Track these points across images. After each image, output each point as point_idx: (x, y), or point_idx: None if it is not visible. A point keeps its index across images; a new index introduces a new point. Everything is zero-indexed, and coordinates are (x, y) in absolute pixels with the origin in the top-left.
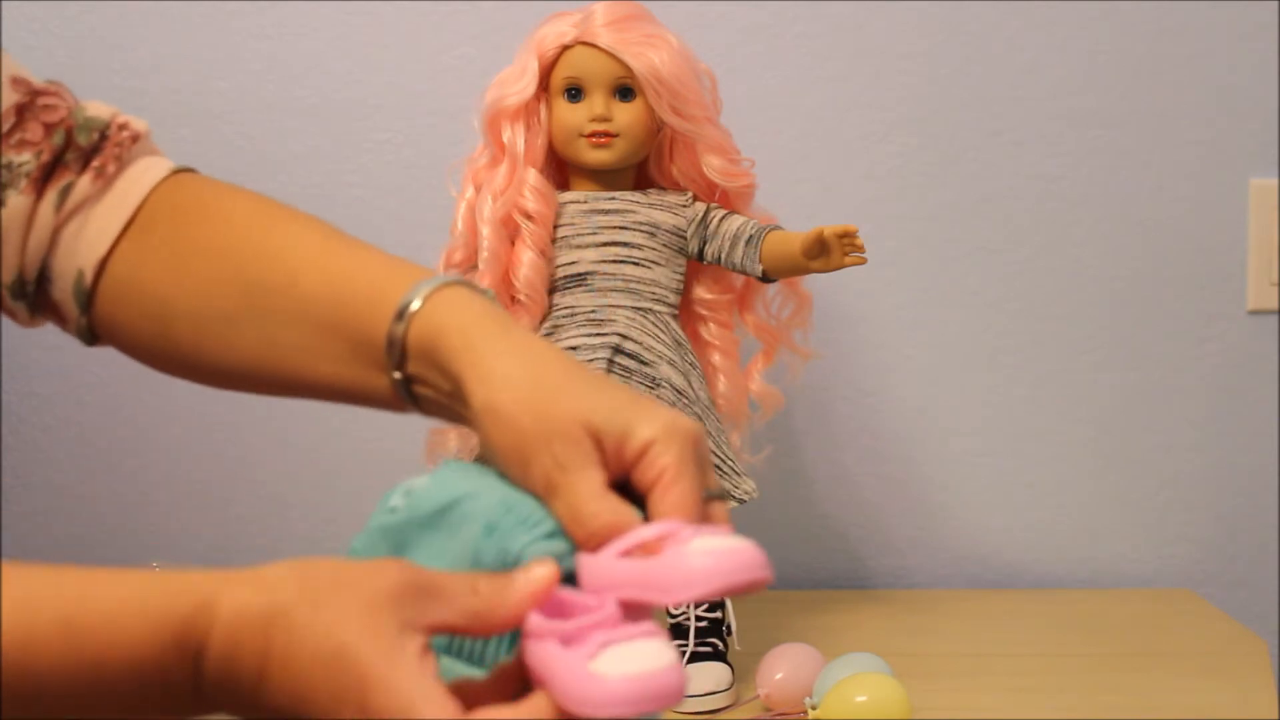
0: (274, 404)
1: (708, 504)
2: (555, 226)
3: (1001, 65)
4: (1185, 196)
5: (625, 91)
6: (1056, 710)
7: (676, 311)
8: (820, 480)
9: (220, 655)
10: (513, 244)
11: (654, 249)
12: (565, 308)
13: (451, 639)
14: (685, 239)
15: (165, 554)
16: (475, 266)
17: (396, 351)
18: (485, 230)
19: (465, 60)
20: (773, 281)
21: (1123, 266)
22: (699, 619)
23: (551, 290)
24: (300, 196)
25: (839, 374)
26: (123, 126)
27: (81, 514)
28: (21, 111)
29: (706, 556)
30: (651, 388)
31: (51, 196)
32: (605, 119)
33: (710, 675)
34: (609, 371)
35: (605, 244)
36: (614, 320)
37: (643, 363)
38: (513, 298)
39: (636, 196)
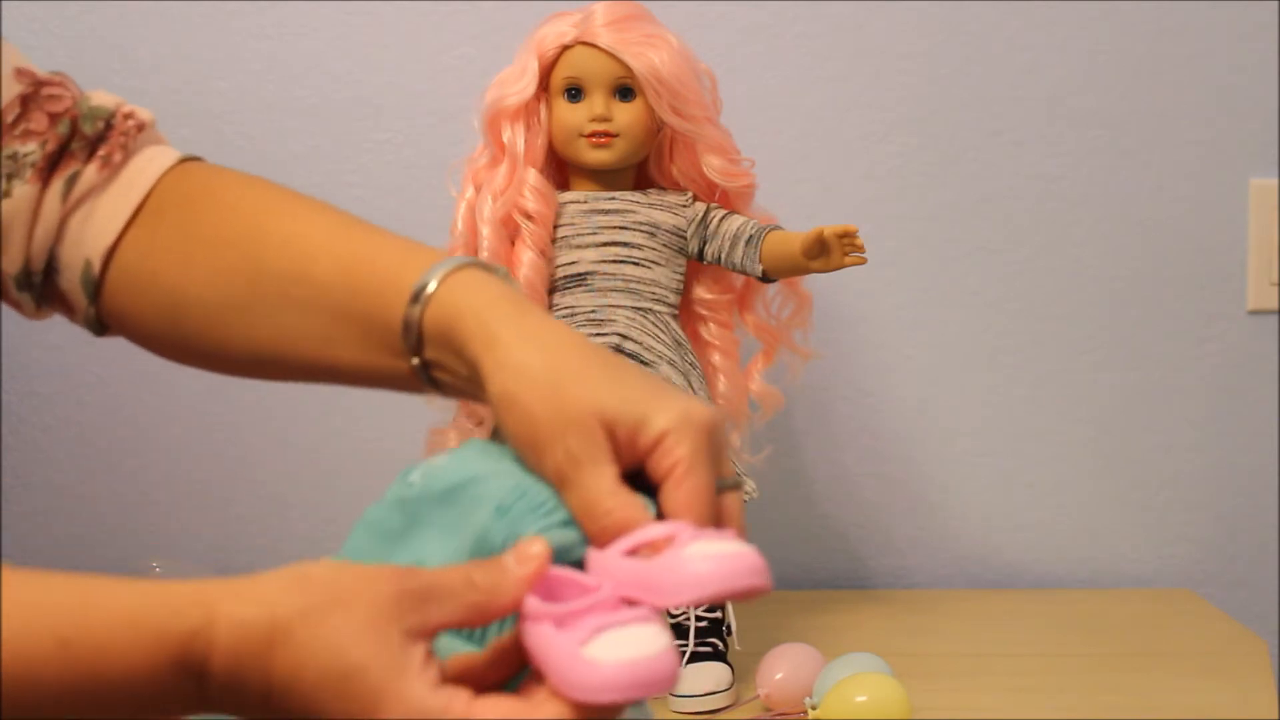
0: (274, 404)
1: (721, 494)
2: (555, 226)
3: (1001, 65)
4: (1185, 196)
5: (625, 91)
6: (1056, 710)
7: (676, 311)
8: (820, 480)
9: (224, 671)
10: (513, 244)
11: (654, 249)
12: (565, 308)
13: None
14: (685, 239)
15: (165, 554)
16: None
17: (413, 336)
18: (485, 230)
19: (465, 60)
20: (773, 281)
21: (1123, 266)
22: (699, 619)
23: (551, 290)
24: None
25: (839, 374)
26: (128, 115)
27: (81, 514)
28: (26, 102)
29: (706, 561)
30: None
31: (57, 186)
32: (605, 119)
33: (710, 675)
34: None
35: (605, 244)
36: (614, 320)
37: (643, 363)
38: None
39: (636, 196)
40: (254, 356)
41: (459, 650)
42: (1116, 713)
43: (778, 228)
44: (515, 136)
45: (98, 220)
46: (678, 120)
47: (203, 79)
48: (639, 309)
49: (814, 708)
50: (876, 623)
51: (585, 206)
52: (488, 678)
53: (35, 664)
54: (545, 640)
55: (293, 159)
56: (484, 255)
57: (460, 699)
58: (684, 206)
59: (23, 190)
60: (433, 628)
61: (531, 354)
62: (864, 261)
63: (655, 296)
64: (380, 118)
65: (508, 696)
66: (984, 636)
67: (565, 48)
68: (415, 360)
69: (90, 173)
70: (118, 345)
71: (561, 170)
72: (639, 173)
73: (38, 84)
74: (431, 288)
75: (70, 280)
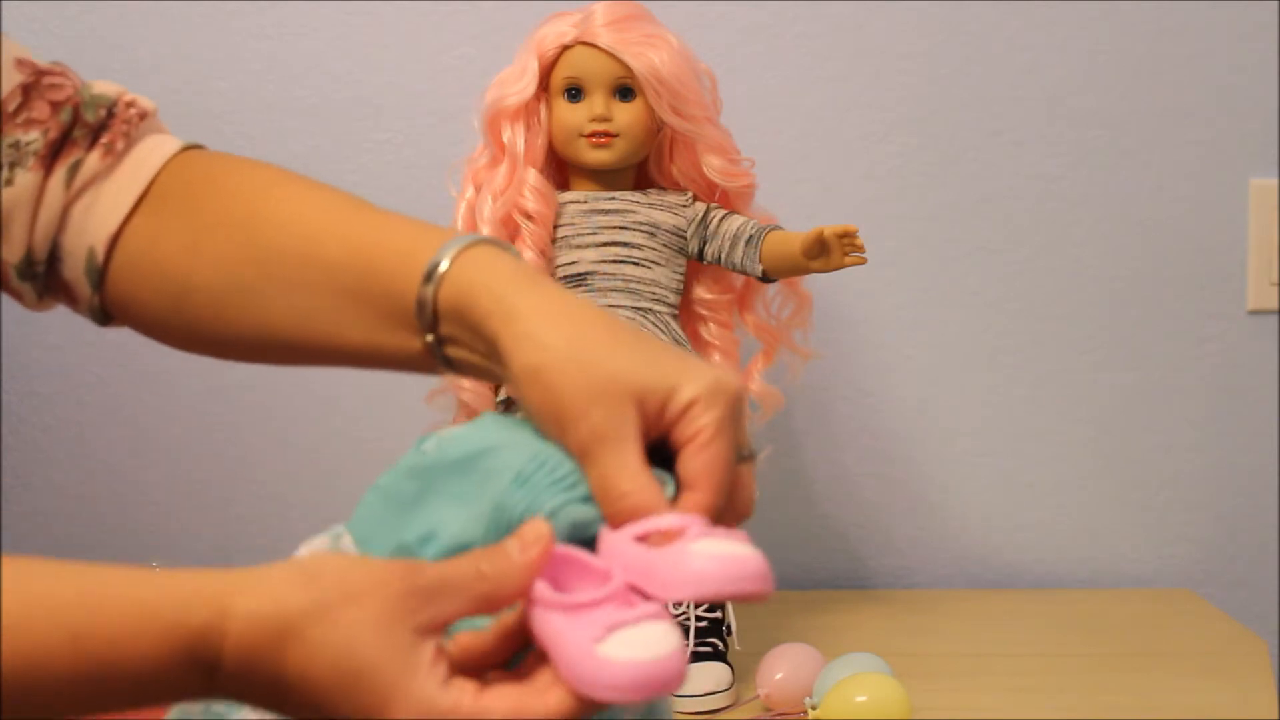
0: (274, 404)
1: (738, 464)
2: (555, 226)
3: (1001, 65)
4: (1185, 196)
5: (625, 91)
6: (1056, 710)
7: (676, 311)
8: (820, 480)
9: (235, 664)
10: (513, 244)
11: (654, 249)
12: None
13: None
14: (685, 239)
15: (165, 554)
16: None
17: (428, 314)
18: (485, 230)
19: (465, 60)
20: (773, 281)
21: (1123, 266)
22: (699, 619)
23: None
24: None
25: (839, 374)
26: (130, 104)
27: (81, 514)
28: (27, 91)
29: (709, 560)
30: None
31: (60, 174)
32: (605, 119)
33: (710, 675)
34: None
35: (605, 244)
36: None
37: None
38: None
39: (636, 196)
40: (262, 340)
41: (462, 626)
42: (1116, 713)
43: (778, 228)
44: (515, 136)
45: (101, 208)
46: (678, 120)
47: (203, 79)
48: (639, 309)
49: (814, 708)
50: (876, 623)
51: (585, 206)
52: (491, 658)
53: (46, 657)
54: (556, 630)
55: (293, 159)
56: None
57: (468, 694)
58: (684, 206)
59: (25, 178)
60: (442, 623)
61: (554, 327)
62: (864, 261)
63: (655, 296)
64: (380, 118)
65: (512, 684)
66: (984, 636)
67: (565, 48)
68: (430, 338)
69: (93, 160)
70: (118, 345)
71: (561, 170)
72: (639, 173)
73: (39, 73)
74: (444, 266)
75: (73, 269)
